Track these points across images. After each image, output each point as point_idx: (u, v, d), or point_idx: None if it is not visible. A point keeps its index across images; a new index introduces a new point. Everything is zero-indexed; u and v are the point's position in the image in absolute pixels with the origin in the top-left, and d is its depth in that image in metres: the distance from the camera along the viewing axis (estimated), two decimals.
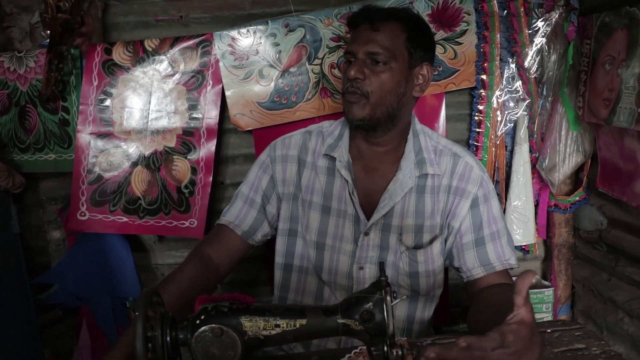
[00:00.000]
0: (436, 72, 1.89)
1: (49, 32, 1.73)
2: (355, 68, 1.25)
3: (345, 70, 1.30)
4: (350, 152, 1.35)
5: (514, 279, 1.34)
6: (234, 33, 1.86)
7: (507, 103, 1.95)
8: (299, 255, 1.37)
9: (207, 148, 1.91)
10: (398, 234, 1.31)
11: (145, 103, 1.90)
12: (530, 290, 2.08)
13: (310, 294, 1.38)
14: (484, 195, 1.31)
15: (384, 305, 0.86)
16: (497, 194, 1.82)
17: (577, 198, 2.02)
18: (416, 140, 1.34)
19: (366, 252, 1.32)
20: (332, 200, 1.34)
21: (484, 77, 1.92)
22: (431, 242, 1.32)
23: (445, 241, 1.33)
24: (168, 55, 1.88)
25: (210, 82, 1.89)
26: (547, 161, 1.93)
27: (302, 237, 1.37)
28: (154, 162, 1.92)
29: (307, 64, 1.89)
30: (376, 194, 1.32)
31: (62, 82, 1.90)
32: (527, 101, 1.93)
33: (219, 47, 1.86)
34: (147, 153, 1.92)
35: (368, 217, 1.31)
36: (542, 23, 1.86)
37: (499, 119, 1.96)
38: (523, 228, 2.01)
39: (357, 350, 1.11)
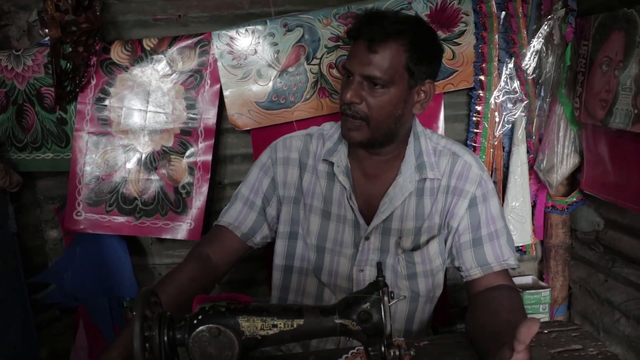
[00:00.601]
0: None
1: (47, 31, 1.72)
2: (351, 92, 1.21)
3: (343, 84, 1.26)
4: (350, 157, 1.34)
5: (514, 279, 1.34)
6: (232, 32, 1.86)
7: (505, 104, 1.95)
8: (299, 257, 1.37)
9: (205, 148, 1.90)
10: (397, 237, 1.31)
11: (143, 102, 1.90)
12: (527, 291, 2.10)
13: (311, 295, 1.38)
14: (482, 194, 1.30)
15: (382, 306, 0.86)
16: None
17: (574, 199, 2.02)
18: (417, 143, 1.33)
19: (367, 256, 1.32)
20: (332, 205, 1.34)
21: (482, 77, 1.92)
22: (428, 242, 1.31)
23: (445, 241, 1.33)
24: (166, 55, 1.87)
25: (209, 81, 1.89)
26: (544, 162, 1.94)
27: (303, 239, 1.36)
28: (151, 162, 1.92)
29: (305, 63, 1.89)
30: (376, 199, 1.31)
31: (82, 81, 1.87)
32: (525, 102, 1.94)
33: (218, 46, 1.86)
34: (144, 153, 1.91)
35: (368, 221, 1.31)
36: (540, 24, 1.86)
37: (497, 119, 1.96)
38: (520, 229, 2.01)
39: (355, 351, 1.11)
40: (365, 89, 1.21)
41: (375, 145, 1.28)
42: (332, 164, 1.34)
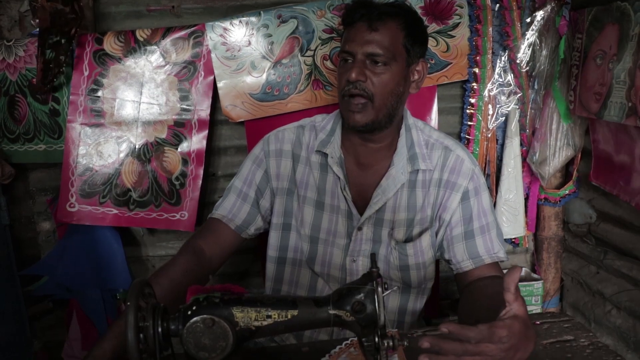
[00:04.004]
0: (429, 65, 1.89)
1: (38, 21, 1.71)
2: (356, 70, 1.22)
3: (342, 70, 1.28)
4: (343, 148, 1.35)
5: (504, 271, 1.35)
6: (226, 24, 1.85)
7: (498, 96, 1.95)
8: (293, 248, 1.37)
9: (199, 139, 1.90)
10: (390, 228, 1.32)
11: (136, 94, 1.89)
12: (520, 283, 2.10)
13: (304, 286, 1.39)
14: (474, 188, 1.32)
15: (375, 296, 0.86)
16: (488, 187, 1.83)
17: (567, 192, 2.04)
18: (408, 135, 1.34)
19: (359, 246, 1.32)
20: (325, 195, 1.34)
21: (476, 70, 1.93)
22: (420, 234, 1.32)
23: (436, 234, 1.34)
24: (160, 46, 1.86)
25: (202, 73, 1.88)
26: (537, 155, 1.94)
27: (296, 230, 1.37)
28: (145, 154, 1.91)
29: (299, 55, 1.88)
30: (369, 190, 1.32)
31: (61, 72, 1.87)
32: (519, 95, 1.94)
33: (211, 37, 1.85)
34: (138, 144, 1.90)
35: (361, 212, 1.31)
36: (534, 17, 1.86)
37: (491, 112, 1.96)
38: (513, 221, 2.02)
39: (348, 342, 1.11)
40: (368, 67, 1.24)
41: (376, 129, 1.28)
42: (325, 155, 1.34)
